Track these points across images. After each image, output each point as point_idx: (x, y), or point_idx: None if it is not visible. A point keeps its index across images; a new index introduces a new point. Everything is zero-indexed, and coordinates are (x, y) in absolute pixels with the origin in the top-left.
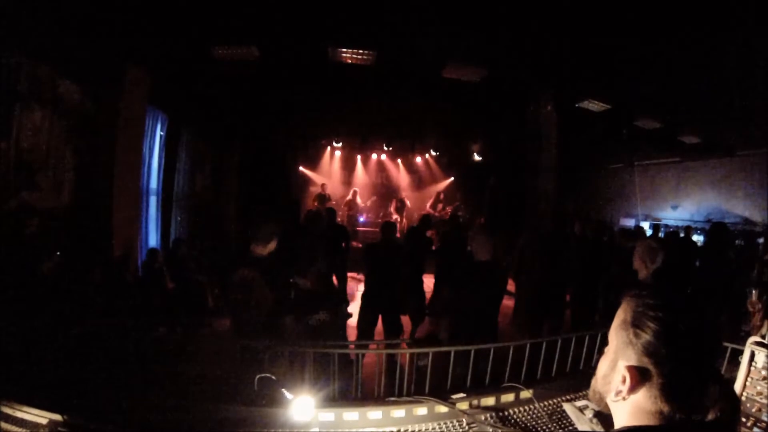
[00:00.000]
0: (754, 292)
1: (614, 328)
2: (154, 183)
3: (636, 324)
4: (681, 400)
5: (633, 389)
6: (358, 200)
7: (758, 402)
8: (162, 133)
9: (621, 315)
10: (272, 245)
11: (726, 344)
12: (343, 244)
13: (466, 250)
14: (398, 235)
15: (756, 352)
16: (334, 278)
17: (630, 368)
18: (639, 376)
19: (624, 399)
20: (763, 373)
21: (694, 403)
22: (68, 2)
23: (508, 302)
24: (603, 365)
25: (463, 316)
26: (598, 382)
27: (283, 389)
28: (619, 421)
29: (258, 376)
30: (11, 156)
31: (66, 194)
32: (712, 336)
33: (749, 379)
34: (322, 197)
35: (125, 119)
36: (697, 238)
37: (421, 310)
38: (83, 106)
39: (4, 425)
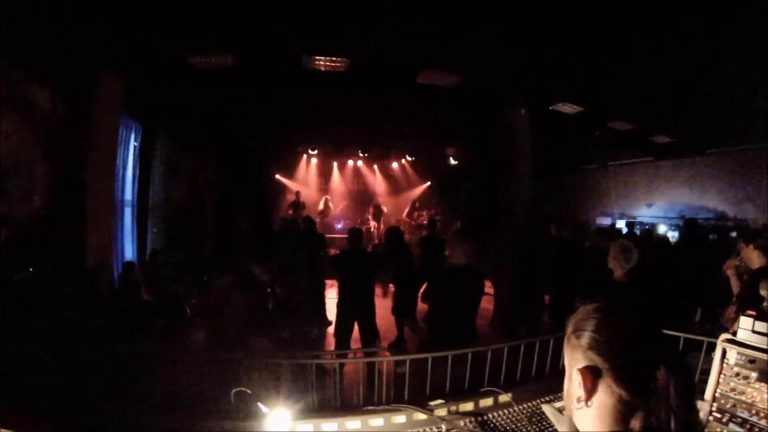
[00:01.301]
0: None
1: (564, 348)
2: (129, 194)
3: (576, 329)
4: (631, 382)
5: (591, 390)
6: (330, 206)
7: (732, 398)
8: (136, 143)
9: (567, 333)
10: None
11: (702, 338)
12: (321, 252)
13: (442, 255)
14: (376, 240)
15: (727, 350)
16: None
17: (581, 370)
18: (591, 375)
19: (588, 404)
20: (735, 369)
21: (643, 385)
22: (42, 6)
23: (487, 305)
24: (565, 384)
25: (440, 321)
26: (566, 401)
27: (258, 402)
28: (584, 427)
29: (234, 390)
30: None
31: (37, 202)
32: (649, 322)
33: (722, 375)
34: (297, 204)
35: (99, 127)
36: (672, 234)
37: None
38: (55, 112)
39: None
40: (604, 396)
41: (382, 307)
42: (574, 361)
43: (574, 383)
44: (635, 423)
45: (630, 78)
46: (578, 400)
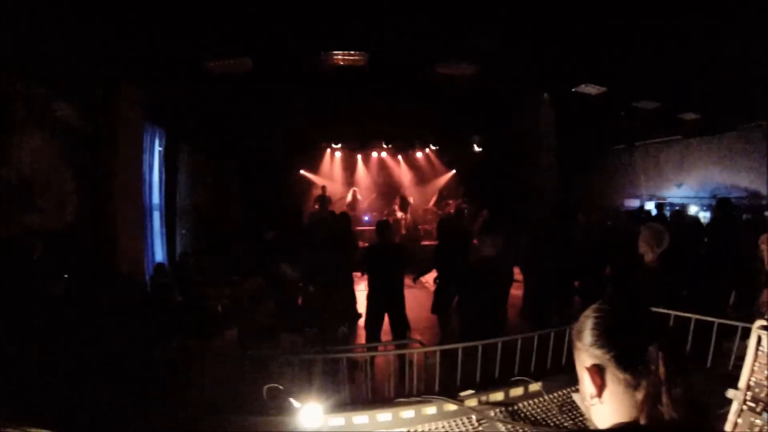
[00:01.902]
0: None
1: (574, 355)
2: (156, 198)
3: (579, 331)
4: (630, 364)
5: (601, 385)
6: (359, 198)
7: (767, 386)
8: (160, 149)
9: (573, 341)
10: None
11: (736, 323)
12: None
13: (469, 245)
14: (403, 231)
15: (763, 337)
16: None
17: (588, 368)
18: (597, 370)
19: (600, 400)
20: None
21: (640, 365)
22: (60, 23)
23: (517, 292)
24: (581, 388)
25: (471, 312)
26: (582, 406)
27: (290, 398)
28: (604, 422)
29: (266, 386)
30: (12, 181)
31: (69, 215)
32: (641, 309)
33: (757, 363)
34: (323, 199)
35: (123, 136)
36: (704, 215)
37: None
38: (81, 126)
39: None
40: (613, 386)
41: (412, 299)
42: (582, 362)
43: (585, 383)
44: (641, 405)
45: (653, 55)
46: (591, 397)
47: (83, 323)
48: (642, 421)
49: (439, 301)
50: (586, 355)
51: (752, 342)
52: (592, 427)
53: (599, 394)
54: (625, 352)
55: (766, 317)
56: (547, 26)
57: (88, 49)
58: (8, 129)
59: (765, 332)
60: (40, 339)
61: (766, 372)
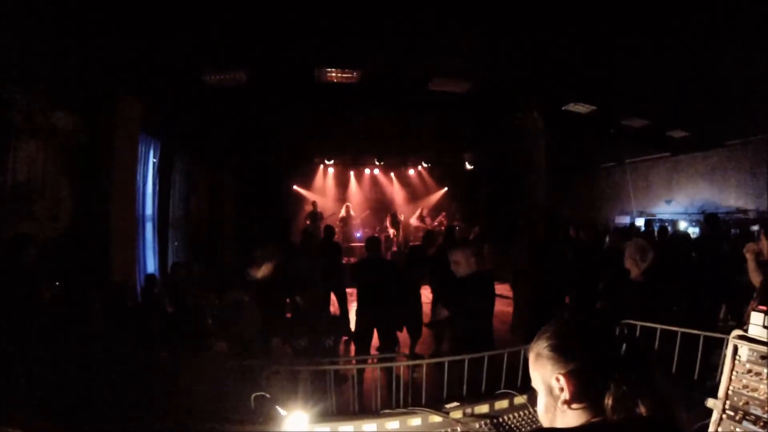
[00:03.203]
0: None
1: (532, 371)
2: (149, 209)
3: (536, 347)
4: (593, 365)
5: (573, 391)
6: (352, 214)
7: (745, 395)
8: (155, 160)
9: (531, 359)
10: (265, 269)
11: (722, 336)
12: (345, 260)
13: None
14: (395, 248)
15: (739, 346)
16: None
17: (564, 375)
18: (570, 377)
19: (569, 406)
20: (747, 366)
21: (603, 365)
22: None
23: (507, 308)
24: (540, 405)
25: (458, 330)
26: (544, 419)
27: (277, 406)
28: (572, 425)
29: (254, 395)
30: (8, 187)
31: (63, 223)
32: (596, 316)
33: (734, 372)
34: (314, 215)
35: (119, 147)
36: (693, 231)
37: (419, 325)
38: (77, 135)
39: None
40: (580, 389)
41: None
42: (545, 374)
43: (549, 395)
44: (611, 408)
45: (641, 74)
46: (564, 403)
47: (72, 329)
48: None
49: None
50: (550, 366)
51: (729, 351)
52: None
53: (571, 402)
54: (588, 354)
55: (743, 327)
56: (538, 44)
57: (86, 59)
58: (4, 136)
59: (742, 342)
60: (30, 343)
61: (743, 381)
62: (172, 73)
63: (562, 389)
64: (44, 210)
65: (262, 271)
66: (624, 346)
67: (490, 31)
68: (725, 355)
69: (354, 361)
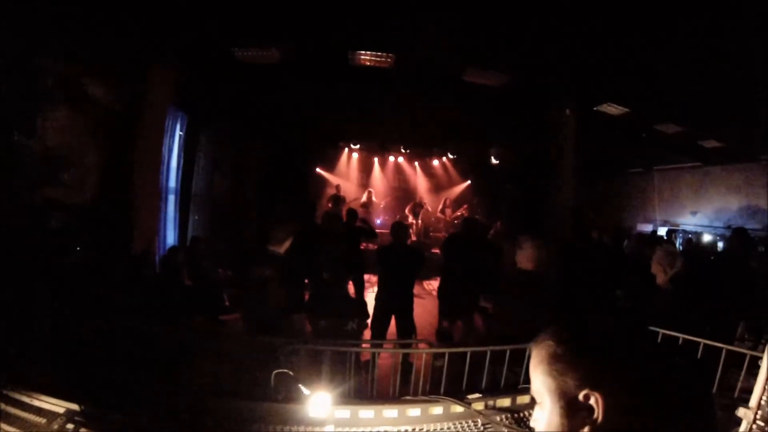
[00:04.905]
0: None
1: (536, 378)
2: (172, 182)
3: (550, 347)
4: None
5: (605, 412)
6: (374, 199)
7: None
8: (181, 133)
9: (538, 360)
10: (287, 244)
11: (745, 351)
12: (363, 246)
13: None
14: (414, 237)
15: None
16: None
17: (590, 394)
18: (603, 394)
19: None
20: None
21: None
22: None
23: None
24: (541, 422)
25: (505, 325)
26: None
27: (299, 385)
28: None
29: (275, 372)
30: (36, 153)
31: (88, 191)
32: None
33: None
34: (337, 198)
35: (148, 118)
36: (718, 245)
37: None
38: (108, 104)
39: (21, 413)
40: (616, 411)
41: (420, 305)
42: (564, 385)
43: (564, 414)
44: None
45: (679, 79)
46: (591, 427)
47: (92, 296)
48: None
49: (450, 310)
50: (580, 375)
51: (765, 360)
52: None
53: (602, 426)
54: (642, 375)
55: None
56: (574, 41)
57: (121, 31)
58: (37, 102)
59: None
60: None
61: None
62: (205, 46)
63: (590, 409)
64: (70, 177)
65: (284, 247)
66: (682, 364)
67: (526, 25)
68: (754, 365)
69: (374, 345)
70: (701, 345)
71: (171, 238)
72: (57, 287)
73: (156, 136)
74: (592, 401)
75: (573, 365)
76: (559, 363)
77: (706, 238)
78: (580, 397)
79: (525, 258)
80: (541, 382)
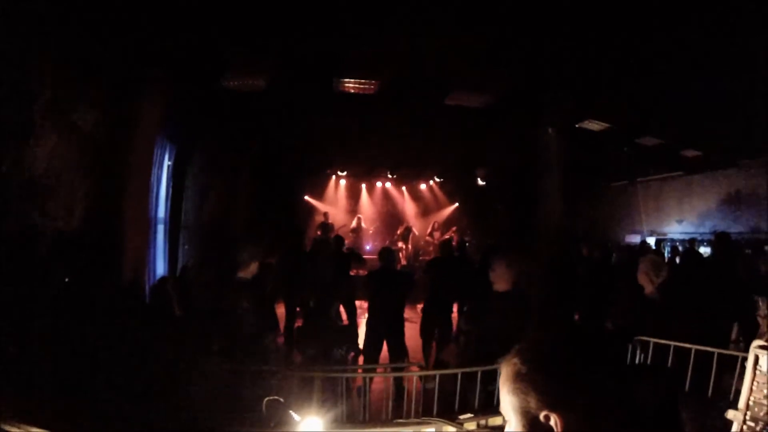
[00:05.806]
0: (761, 302)
1: (504, 397)
2: (161, 212)
3: (513, 366)
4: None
5: (561, 428)
6: (363, 225)
7: (766, 405)
8: (170, 163)
9: (504, 378)
10: (253, 268)
11: (736, 353)
12: (354, 272)
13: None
14: (404, 262)
15: (760, 356)
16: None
17: (550, 415)
18: (563, 414)
19: None
20: None
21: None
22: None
23: None
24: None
25: (482, 345)
26: None
27: (290, 411)
28: None
29: (266, 399)
30: (24, 181)
31: (76, 219)
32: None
33: (755, 383)
34: (325, 226)
35: (137, 147)
36: (704, 251)
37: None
38: (96, 132)
39: None
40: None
41: (411, 327)
42: (525, 403)
43: (524, 431)
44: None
45: (655, 92)
46: None
47: (80, 325)
48: None
49: (426, 328)
50: (541, 394)
51: (750, 361)
52: None
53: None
54: (604, 393)
55: (765, 338)
56: (553, 59)
57: (109, 55)
58: (24, 129)
59: (763, 351)
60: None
61: (764, 391)
62: (191, 73)
63: (551, 430)
64: (58, 205)
65: (250, 271)
66: (646, 377)
67: (506, 45)
68: (746, 366)
69: (365, 370)
70: (692, 351)
71: (161, 268)
72: (42, 316)
73: (145, 167)
74: (552, 422)
75: (535, 385)
76: (522, 382)
77: (692, 245)
78: (541, 417)
79: (499, 279)
80: (507, 400)
